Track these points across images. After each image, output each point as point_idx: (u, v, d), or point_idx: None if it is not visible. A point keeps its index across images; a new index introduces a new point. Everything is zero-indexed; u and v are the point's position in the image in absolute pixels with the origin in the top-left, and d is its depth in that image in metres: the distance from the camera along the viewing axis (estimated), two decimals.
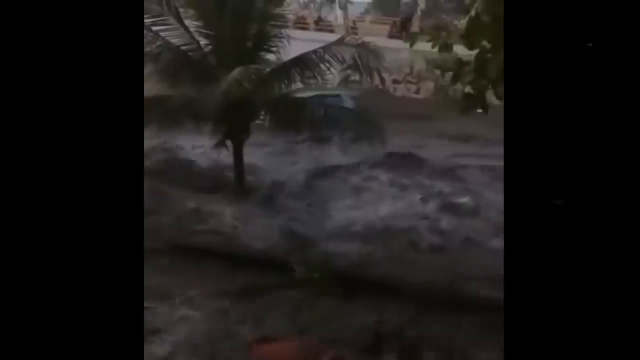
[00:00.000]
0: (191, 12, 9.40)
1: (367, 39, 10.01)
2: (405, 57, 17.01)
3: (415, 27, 18.50)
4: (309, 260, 7.12)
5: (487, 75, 4.16)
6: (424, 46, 4.63)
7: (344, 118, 9.47)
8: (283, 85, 9.34)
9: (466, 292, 6.67)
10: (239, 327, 5.97)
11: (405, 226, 8.57)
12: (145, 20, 8.46)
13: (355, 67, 9.22)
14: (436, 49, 4.53)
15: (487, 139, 12.19)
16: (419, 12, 22.08)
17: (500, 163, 10.48)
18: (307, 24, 22.30)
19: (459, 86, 4.48)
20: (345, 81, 10.16)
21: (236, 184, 9.66)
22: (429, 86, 17.06)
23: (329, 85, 9.90)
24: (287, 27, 10.57)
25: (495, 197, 9.28)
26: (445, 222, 8.83)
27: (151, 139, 8.84)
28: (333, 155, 10.87)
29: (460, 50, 4.58)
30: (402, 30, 19.65)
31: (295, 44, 9.96)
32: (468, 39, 4.37)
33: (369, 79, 9.53)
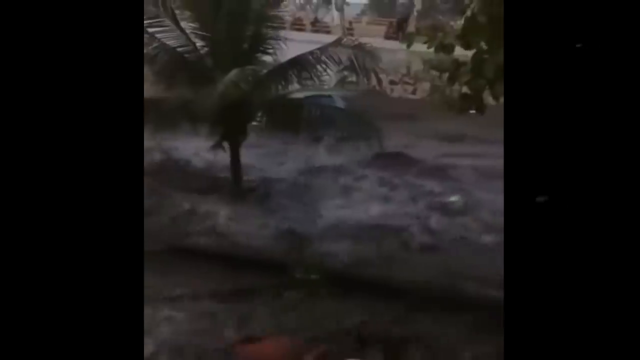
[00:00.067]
0: (187, 13, 9.40)
1: (363, 40, 10.03)
2: (401, 58, 17.04)
3: (411, 28, 18.52)
4: (305, 261, 7.13)
5: (485, 75, 4.16)
6: (421, 47, 4.63)
7: (341, 119, 9.48)
8: (280, 87, 9.33)
9: (458, 290, 6.68)
10: (226, 328, 5.96)
11: (396, 225, 8.59)
12: None
13: (352, 68, 9.23)
14: (432, 50, 4.53)
15: (478, 138, 12.31)
16: (415, 13, 22.13)
17: (491, 162, 10.68)
18: (303, 25, 22.33)
19: (456, 86, 4.48)
20: (342, 82, 10.17)
21: (233, 184, 9.65)
22: (425, 87, 17.09)
23: (325, 87, 9.90)
24: (283, 28, 10.57)
25: (485, 195, 9.39)
26: (436, 221, 8.86)
27: (147, 140, 8.80)
28: (330, 155, 10.90)
29: (456, 50, 4.58)
30: (398, 31, 19.68)
31: (292, 45, 9.97)
32: (464, 40, 4.37)
33: (365, 80, 9.54)
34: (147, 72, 8.70)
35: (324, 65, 9.24)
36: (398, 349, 5.63)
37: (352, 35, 16.89)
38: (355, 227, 8.40)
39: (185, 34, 9.36)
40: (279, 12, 10.06)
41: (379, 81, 12.46)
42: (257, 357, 5.17)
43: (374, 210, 9.07)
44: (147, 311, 5.74)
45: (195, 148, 10.19)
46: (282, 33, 10.04)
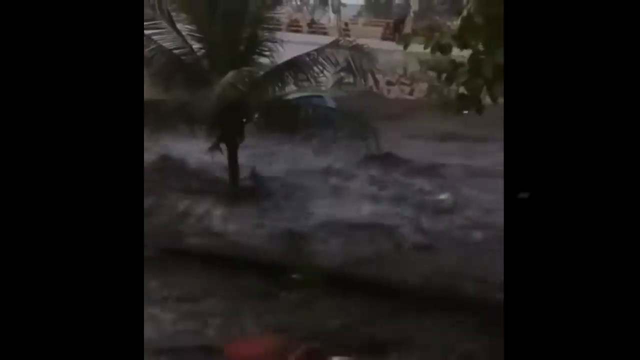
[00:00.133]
0: (183, 15, 9.39)
1: (360, 41, 10.02)
2: (398, 58, 17.07)
3: (408, 28, 18.54)
4: (301, 261, 7.14)
5: (483, 75, 4.15)
6: (417, 48, 4.62)
7: (337, 119, 9.48)
8: (277, 88, 9.33)
9: (449, 289, 6.70)
10: (214, 329, 5.99)
11: (388, 224, 8.61)
12: None
13: (348, 69, 9.23)
14: (429, 50, 4.53)
15: (468, 137, 12.35)
16: (411, 14, 22.17)
17: (481, 162, 10.73)
18: (300, 26, 22.36)
19: (453, 87, 4.48)
20: (339, 83, 10.17)
21: (231, 186, 9.64)
22: (422, 87, 17.11)
23: (323, 88, 9.90)
24: (280, 30, 10.57)
25: (475, 193, 9.49)
26: (426, 219, 8.90)
27: (145, 142, 8.79)
28: (325, 155, 10.94)
29: (453, 51, 4.57)
30: (394, 32, 19.71)
31: (289, 46, 9.96)
32: (461, 40, 4.37)
33: (362, 81, 9.54)
34: (144, 74, 8.69)
35: (320, 67, 9.24)
36: (382, 347, 5.67)
37: (348, 36, 16.91)
38: (347, 227, 8.42)
39: (182, 36, 9.35)
40: (275, 14, 10.05)
41: (376, 82, 12.47)
42: (245, 356, 5.23)
43: (366, 210, 9.11)
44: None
45: (192, 149, 10.18)
46: (279, 35, 10.04)
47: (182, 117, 8.70)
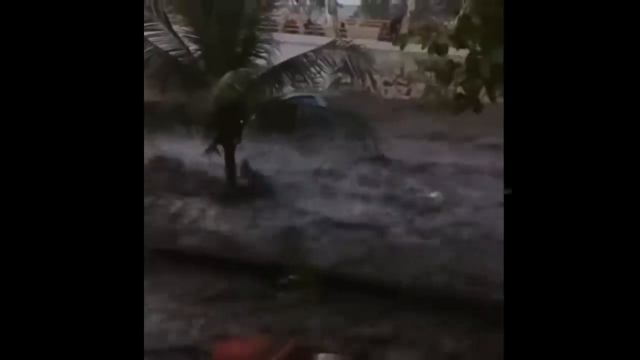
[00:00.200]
0: (180, 17, 9.37)
1: (357, 41, 10.02)
2: (395, 59, 17.05)
3: (404, 29, 18.55)
4: (298, 262, 7.15)
5: (481, 75, 4.14)
6: (414, 48, 4.61)
7: (334, 120, 9.47)
8: (274, 89, 9.32)
9: (440, 288, 6.72)
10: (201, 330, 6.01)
11: (379, 223, 8.66)
12: None
13: (346, 69, 9.23)
14: (426, 51, 4.52)
15: (458, 137, 12.47)
16: (408, 14, 22.18)
17: (470, 161, 10.83)
18: (296, 27, 22.35)
19: (451, 87, 4.47)
20: (336, 84, 10.18)
21: (228, 187, 9.63)
22: (419, 87, 17.10)
23: (320, 89, 9.90)
24: (276, 31, 10.56)
25: (464, 191, 9.59)
26: (417, 218, 8.97)
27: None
28: (323, 155, 10.97)
29: (450, 51, 4.56)
30: (391, 32, 19.71)
31: (286, 47, 9.96)
32: (458, 40, 4.36)
33: (360, 81, 9.54)
34: None
35: (317, 68, 9.23)
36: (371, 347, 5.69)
37: (345, 37, 16.91)
38: (339, 226, 8.47)
39: (178, 37, 9.34)
40: (271, 15, 10.05)
41: (374, 82, 12.43)
42: (233, 355, 5.26)
43: (360, 209, 9.16)
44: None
45: (188, 150, 10.20)
46: (275, 36, 10.03)
47: (179, 118, 8.69)
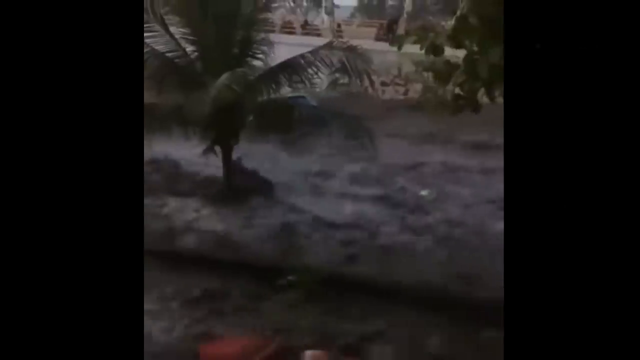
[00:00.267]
0: (176, 19, 9.37)
1: (354, 42, 10.02)
2: (392, 59, 17.06)
3: (401, 29, 18.57)
4: (296, 263, 7.17)
5: (479, 75, 4.14)
6: (411, 48, 4.61)
7: (331, 120, 9.47)
8: (271, 90, 9.31)
9: (434, 288, 6.75)
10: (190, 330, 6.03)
11: (371, 223, 8.69)
12: None
13: (343, 70, 9.23)
14: (423, 51, 4.51)
15: (447, 137, 12.59)
16: (405, 15, 22.20)
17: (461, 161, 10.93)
18: (293, 28, 22.37)
19: (449, 87, 4.47)
20: (333, 84, 10.19)
21: (226, 188, 9.63)
22: (417, 88, 17.10)
23: (317, 89, 9.91)
24: (273, 32, 10.56)
25: (455, 191, 9.71)
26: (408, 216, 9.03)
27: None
28: (319, 155, 11.00)
29: (446, 51, 4.56)
30: (388, 33, 19.73)
31: (283, 48, 9.97)
32: (455, 40, 4.35)
33: (358, 81, 9.55)
34: None
35: (315, 68, 9.23)
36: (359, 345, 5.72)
37: (341, 37, 16.91)
38: (330, 225, 8.51)
39: (175, 39, 9.34)
40: (268, 16, 10.05)
41: (372, 83, 12.44)
42: (218, 355, 5.27)
43: (351, 209, 9.21)
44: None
45: (185, 151, 10.21)
46: (273, 36, 10.02)
47: (176, 119, 8.69)
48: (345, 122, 9.31)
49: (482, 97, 4.39)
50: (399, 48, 4.59)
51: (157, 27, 9.14)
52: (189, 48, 9.41)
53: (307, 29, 22.81)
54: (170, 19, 9.32)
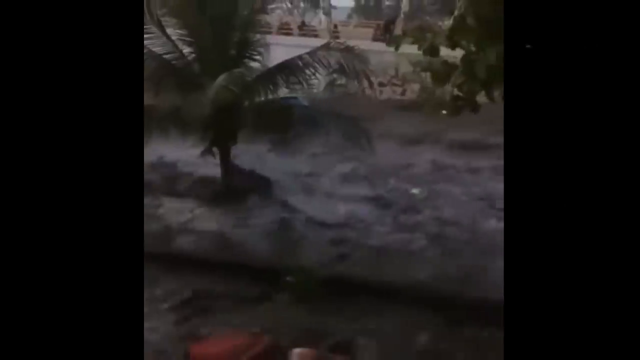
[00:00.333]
0: (173, 20, 9.36)
1: (351, 42, 10.02)
2: (389, 59, 17.03)
3: (398, 30, 18.56)
4: (294, 263, 7.17)
5: (477, 76, 4.14)
6: (409, 48, 4.61)
7: (328, 120, 9.46)
8: (269, 92, 9.30)
9: (428, 287, 6.75)
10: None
11: (364, 222, 8.73)
12: None
13: (341, 71, 9.23)
14: (420, 51, 4.51)
15: (438, 137, 12.67)
16: (402, 15, 22.21)
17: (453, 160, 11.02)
18: (291, 29, 22.35)
19: (447, 87, 4.47)
20: (331, 85, 10.19)
21: (224, 189, 9.62)
22: (414, 88, 17.11)
23: (314, 90, 9.91)
24: (270, 33, 10.56)
25: (446, 190, 9.81)
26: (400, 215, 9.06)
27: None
28: (313, 156, 10.99)
29: (443, 52, 4.56)
30: (385, 33, 19.72)
31: (280, 49, 9.96)
32: (452, 40, 4.35)
33: (356, 82, 9.55)
34: None
35: (312, 69, 9.23)
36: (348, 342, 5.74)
37: (337, 37, 16.91)
38: (324, 226, 8.55)
39: (172, 40, 9.33)
40: (265, 17, 10.04)
41: (370, 83, 12.44)
42: (208, 354, 5.29)
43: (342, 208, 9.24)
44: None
45: (182, 152, 10.22)
46: (270, 38, 10.01)
47: (174, 121, 8.68)
48: (342, 123, 9.31)
49: (481, 97, 4.39)
50: (396, 48, 4.59)
51: (155, 28, 9.13)
52: (187, 49, 9.41)
53: (305, 30, 22.79)
54: (167, 20, 9.32)
